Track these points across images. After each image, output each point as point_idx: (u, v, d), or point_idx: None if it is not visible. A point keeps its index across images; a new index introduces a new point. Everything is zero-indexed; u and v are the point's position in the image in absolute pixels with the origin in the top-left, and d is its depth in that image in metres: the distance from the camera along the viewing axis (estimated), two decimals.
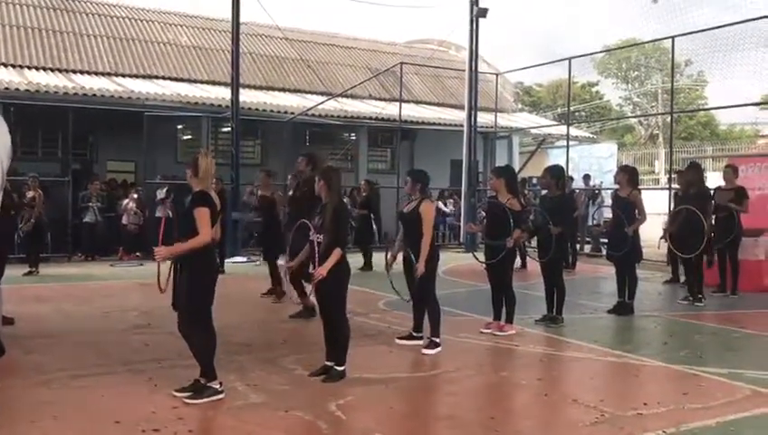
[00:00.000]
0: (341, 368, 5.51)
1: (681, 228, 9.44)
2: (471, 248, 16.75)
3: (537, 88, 38.98)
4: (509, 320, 7.36)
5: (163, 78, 18.71)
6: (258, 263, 13.81)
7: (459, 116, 19.64)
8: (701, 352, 6.69)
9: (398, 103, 18.70)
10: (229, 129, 16.20)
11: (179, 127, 18.49)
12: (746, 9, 17.03)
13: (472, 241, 17.01)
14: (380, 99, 21.23)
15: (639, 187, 9.12)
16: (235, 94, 15.59)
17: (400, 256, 6.80)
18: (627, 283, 8.68)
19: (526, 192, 14.91)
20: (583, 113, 37.03)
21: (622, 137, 37.15)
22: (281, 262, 8.80)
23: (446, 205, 18.89)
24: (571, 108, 25.58)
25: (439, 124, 19.94)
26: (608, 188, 18.64)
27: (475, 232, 9.05)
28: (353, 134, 20.65)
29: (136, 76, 18.32)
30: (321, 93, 19.91)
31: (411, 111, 19.98)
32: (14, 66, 16.80)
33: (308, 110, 17.84)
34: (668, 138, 33.17)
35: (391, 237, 7.21)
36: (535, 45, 57.82)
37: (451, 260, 14.18)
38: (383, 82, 21.86)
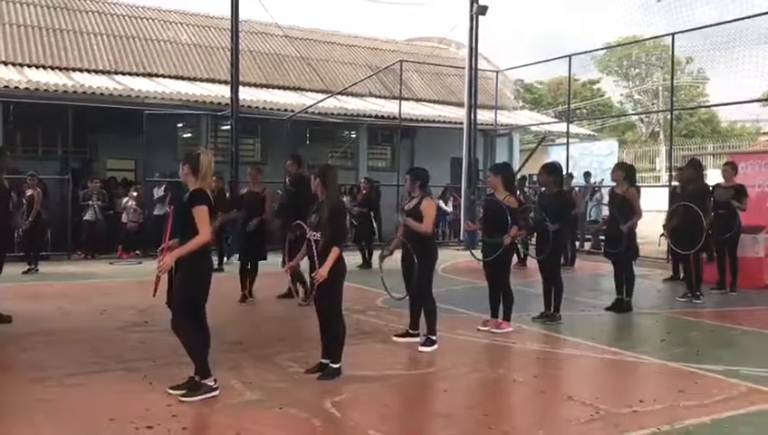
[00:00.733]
0: (337, 365, 5.50)
1: (680, 225, 9.42)
2: (471, 246, 16.76)
3: (538, 85, 38.92)
4: (506, 317, 7.34)
5: (163, 76, 18.70)
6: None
7: (459, 114, 19.60)
8: (698, 350, 6.67)
9: (398, 101, 18.67)
10: (229, 127, 16.17)
11: (179, 125, 18.48)
12: (746, 6, 16.97)
13: (471, 239, 16.99)
14: (380, 96, 21.21)
15: (639, 184, 9.09)
16: (235, 92, 15.54)
17: (398, 254, 6.79)
18: (625, 280, 8.67)
19: (526, 190, 14.90)
20: (584, 111, 36.97)
21: (623, 134, 37.09)
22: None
23: (446, 204, 18.85)
24: (572, 105, 25.57)
25: (439, 122, 19.91)
26: (608, 186, 18.62)
27: (473, 230, 9.01)
28: (353, 132, 20.64)
29: (136, 74, 18.30)
30: (321, 91, 19.89)
31: (411, 109, 19.96)
32: (13, 64, 16.78)
33: (308, 107, 17.82)
34: (669, 135, 33.21)
35: (392, 237, 7.24)
36: (536, 43, 57.75)
37: (450, 258, 14.19)
38: (383, 80, 21.83)
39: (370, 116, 19.10)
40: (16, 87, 14.80)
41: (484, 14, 17.39)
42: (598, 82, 39.51)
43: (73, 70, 17.51)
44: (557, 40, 54.03)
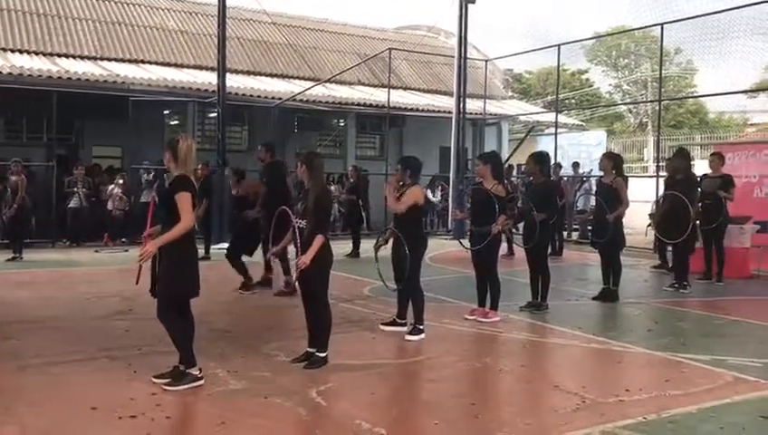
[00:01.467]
0: (323, 354, 5.47)
1: (667, 215, 9.43)
2: (459, 235, 16.76)
3: (527, 75, 38.86)
4: (493, 306, 7.33)
5: (149, 62, 18.53)
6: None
7: (448, 103, 19.55)
8: (684, 339, 6.69)
9: (386, 90, 18.58)
10: (216, 114, 16.07)
11: (166, 112, 18.33)
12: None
13: (460, 228, 16.99)
14: (369, 85, 21.11)
15: (627, 174, 9.09)
16: (222, 79, 15.45)
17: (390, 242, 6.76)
18: (611, 270, 8.67)
19: (513, 179, 14.89)
20: (573, 101, 36.97)
21: (612, 125, 37.12)
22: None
23: (433, 194, 18.81)
24: (561, 95, 25.58)
25: (428, 111, 19.85)
26: (596, 176, 18.66)
27: (461, 219, 8.99)
28: (342, 120, 20.56)
29: (122, 60, 18.13)
30: (310, 79, 19.78)
31: (400, 98, 19.89)
32: None
33: (296, 95, 17.72)
34: (657, 126, 33.27)
35: (385, 227, 7.21)
36: (525, 33, 57.62)
37: (438, 247, 14.18)
38: (372, 68, 21.74)
39: (359, 104, 19.01)
40: (0, 72, 14.60)
41: (473, 2, 17.33)
42: (586, 72, 39.45)
43: (59, 55, 17.32)
44: (545, 29, 54.07)
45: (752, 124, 34.07)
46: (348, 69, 20.10)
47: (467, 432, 4.27)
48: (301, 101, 17.85)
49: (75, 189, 14.34)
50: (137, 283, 4.87)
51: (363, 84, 21.11)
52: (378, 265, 6.65)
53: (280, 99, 17.64)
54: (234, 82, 17.12)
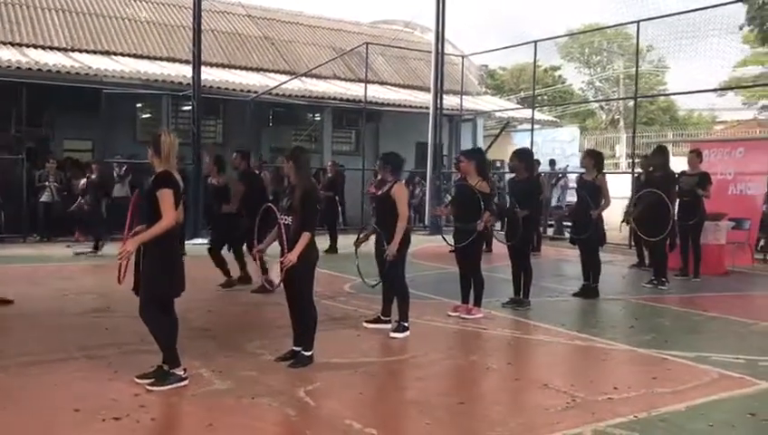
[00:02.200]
0: (309, 353, 5.39)
1: (646, 212, 9.50)
2: (435, 231, 16.75)
3: (500, 71, 39.02)
4: (477, 303, 7.31)
5: (122, 54, 18.16)
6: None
7: (424, 98, 19.50)
8: (667, 336, 6.73)
9: (362, 84, 18.46)
10: (190, 107, 15.83)
11: (138, 105, 18.02)
12: None
13: (436, 224, 16.99)
14: (345, 79, 20.99)
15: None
16: (197, 72, 15.21)
17: (372, 239, 6.69)
18: (591, 266, 8.70)
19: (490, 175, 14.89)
20: (546, 97, 37.24)
21: (584, 121, 37.46)
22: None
23: (414, 190, 18.74)
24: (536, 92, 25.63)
25: (406, 106, 19.78)
26: (572, 172, 18.80)
27: (442, 215, 8.96)
28: (317, 115, 20.40)
29: (93, 52, 17.74)
30: (285, 72, 19.60)
31: (376, 93, 19.77)
32: None
33: (271, 89, 17.53)
34: (629, 122, 33.63)
35: (367, 223, 7.14)
36: (497, 29, 57.92)
37: (416, 243, 14.09)
38: (348, 63, 21.61)
39: (335, 99, 18.87)
40: None
41: None
42: (559, 68, 39.77)
43: (27, 46, 16.89)
44: (518, 25, 54.36)
45: (720, 121, 34.66)
46: (324, 63, 19.95)
47: (459, 432, 4.22)
48: (276, 94, 17.67)
49: (47, 183, 14.04)
50: (119, 282, 4.74)
51: (339, 79, 20.98)
52: (357, 262, 6.59)
53: (255, 92, 17.44)
54: (208, 75, 16.89)
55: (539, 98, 29.28)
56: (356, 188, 17.60)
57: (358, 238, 6.77)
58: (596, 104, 38.33)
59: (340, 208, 14.81)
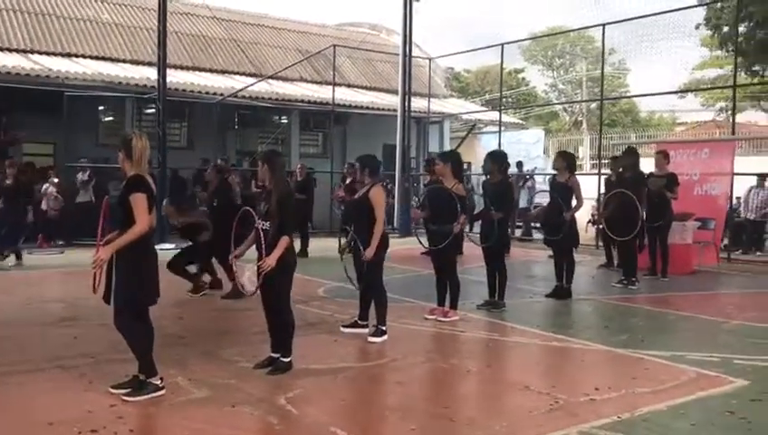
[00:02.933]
0: (288, 359, 5.29)
1: (616, 212, 9.59)
2: (405, 233, 16.75)
3: (465, 74, 39.22)
4: (453, 306, 7.29)
5: (83, 56, 17.82)
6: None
7: (391, 100, 19.51)
8: (642, 336, 6.78)
9: (329, 87, 18.40)
10: (154, 110, 15.57)
11: (101, 108, 17.67)
12: (666, 1, 17.57)
13: (406, 226, 16.99)
14: (312, 82, 20.89)
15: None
16: (162, 74, 14.97)
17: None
18: (565, 267, 8.76)
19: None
20: (510, 99, 37.55)
21: (548, 123, 37.86)
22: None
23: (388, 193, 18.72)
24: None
25: (374, 108, 19.74)
26: (540, 174, 18.96)
27: (417, 218, 8.94)
28: (284, 117, 20.25)
29: (54, 54, 17.36)
30: (251, 75, 19.44)
31: (343, 95, 19.71)
32: None
33: (237, 91, 17.35)
34: (592, 124, 34.08)
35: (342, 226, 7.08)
36: (458, 31, 58.28)
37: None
38: (314, 65, 21.50)
39: (302, 101, 18.76)
40: None
41: (417, 0, 17.32)
42: (523, 71, 40.13)
43: None
44: (480, 28, 54.72)
45: (680, 123, 35.35)
46: (291, 65, 19.82)
47: None
48: (242, 97, 17.49)
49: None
50: (94, 291, 4.60)
51: (306, 81, 20.86)
52: (345, 265, 6.56)
53: (221, 95, 17.25)
54: (173, 77, 16.63)
55: (504, 100, 29.49)
56: (324, 190, 17.51)
57: (340, 245, 6.71)
58: (559, 106, 38.76)
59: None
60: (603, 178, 14.27)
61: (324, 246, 13.09)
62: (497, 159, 7.95)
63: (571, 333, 6.84)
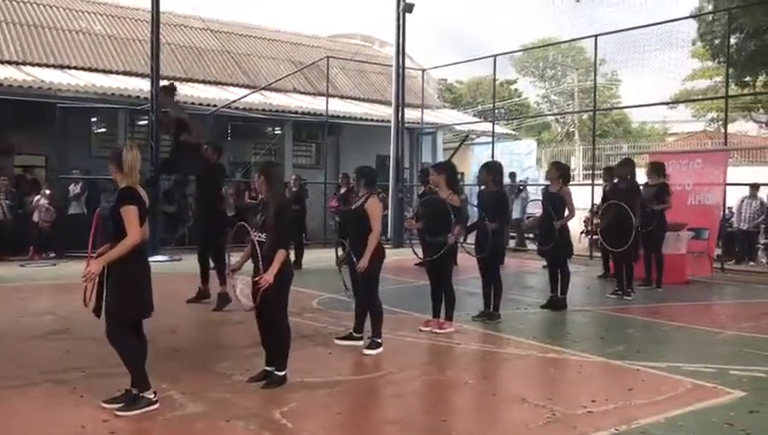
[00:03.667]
0: (282, 373, 5.24)
1: (610, 223, 9.60)
2: (399, 244, 16.73)
3: (458, 85, 39.36)
4: (448, 317, 7.25)
5: (76, 68, 17.75)
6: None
7: (385, 111, 19.53)
8: (638, 347, 6.76)
9: (322, 98, 18.40)
10: (147, 121, 15.52)
11: (94, 119, 17.61)
12: (655, 11, 17.71)
13: (399, 237, 16.97)
14: (305, 93, 20.89)
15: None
16: (155, 85, 14.92)
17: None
18: (559, 277, 8.75)
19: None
20: (503, 110, 37.69)
21: (539, 134, 37.98)
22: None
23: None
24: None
25: (368, 120, 19.75)
26: (533, 185, 18.99)
27: (411, 229, 8.93)
28: (278, 128, 20.23)
29: (46, 66, 17.30)
30: (244, 86, 19.43)
31: (336, 106, 19.72)
32: None
33: (231, 102, 17.33)
34: (584, 135, 34.23)
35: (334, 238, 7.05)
36: (452, 43, 58.53)
37: None
38: (308, 76, 21.51)
39: (296, 112, 18.75)
40: None
41: (410, 11, 17.38)
42: (515, 82, 40.31)
43: None
44: (472, 40, 54.95)
45: (672, 133, 35.51)
46: (284, 76, 19.82)
47: None
48: (236, 108, 17.47)
49: None
50: (86, 305, 4.54)
51: (299, 92, 20.86)
52: (343, 277, 6.55)
53: (214, 106, 17.21)
54: None
55: (496, 111, 29.64)
56: (317, 201, 17.50)
57: (337, 257, 6.69)
58: (552, 117, 38.92)
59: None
60: (596, 188, 14.34)
61: (318, 258, 13.08)
62: (492, 170, 7.94)
63: (566, 345, 6.82)
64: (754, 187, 14.61)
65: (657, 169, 10.69)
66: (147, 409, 4.54)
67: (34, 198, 14.28)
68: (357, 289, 6.44)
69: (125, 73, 18.30)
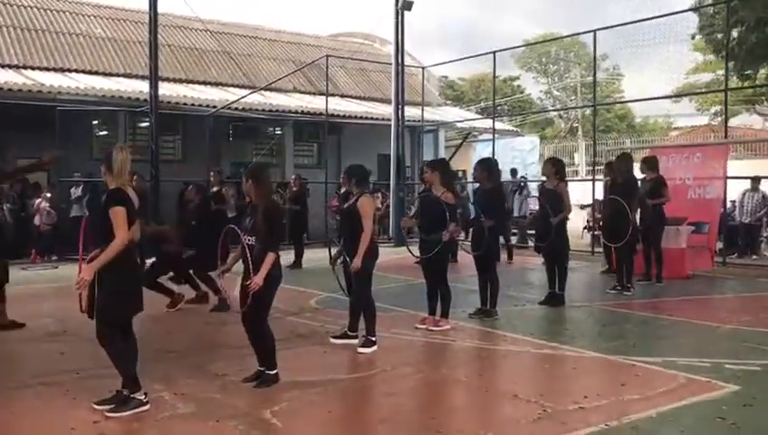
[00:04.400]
0: (273, 372, 5.23)
1: (610, 218, 9.57)
2: (400, 242, 16.70)
3: (460, 82, 39.32)
4: (444, 315, 7.24)
5: (76, 71, 17.82)
6: None
7: (385, 110, 19.51)
8: (634, 342, 6.74)
9: (323, 97, 18.38)
10: (147, 123, 15.56)
11: (94, 122, 17.66)
12: (657, 5, 17.64)
13: (400, 235, 16.93)
14: (305, 92, 20.90)
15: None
16: (155, 88, 14.96)
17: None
18: (557, 274, 8.72)
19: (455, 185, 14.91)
20: (506, 107, 37.63)
21: (543, 130, 37.95)
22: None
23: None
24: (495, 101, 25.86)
25: (368, 118, 19.74)
26: (533, 181, 18.94)
27: (410, 226, 8.91)
28: (278, 128, 20.25)
29: (47, 69, 17.37)
30: (244, 86, 19.44)
31: (337, 105, 19.72)
32: None
33: (231, 103, 17.34)
34: (587, 130, 34.12)
35: (332, 237, 7.04)
36: (454, 40, 58.42)
37: (381, 254, 13.99)
38: (308, 76, 21.52)
39: (296, 112, 18.76)
40: None
41: (409, 9, 17.36)
42: (518, 78, 40.24)
43: None
44: (474, 36, 54.86)
45: (675, 128, 35.40)
46: (284, 76, 19.83)
47: None
48: (236, 109, 17.49)
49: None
50: (82, 310, 4.57)
51: (300, 92, 20.87)
52: (336, 275, 6.54)
53: (214, 107, 17.24)
54: (166, 90, 16.63)
55: (499, 108, 29.66)
56: (318, 201, 17.50)
57: (331, 257, 6.68)
58: (554, 113, 38.84)
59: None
60: (598, 184, 14.29)
61: (318, 257, 13.05)
62: (486, 167, 7.92)
63: (563, 341, 6.79)
64: (756, 180, 14.54)
65: (650, 163, 10.62)
66: (137, 410, 4.55)
67: (36, 202, 14.34)
68: (351, 288, 6.43)
69: (125, 75, 18.36)
